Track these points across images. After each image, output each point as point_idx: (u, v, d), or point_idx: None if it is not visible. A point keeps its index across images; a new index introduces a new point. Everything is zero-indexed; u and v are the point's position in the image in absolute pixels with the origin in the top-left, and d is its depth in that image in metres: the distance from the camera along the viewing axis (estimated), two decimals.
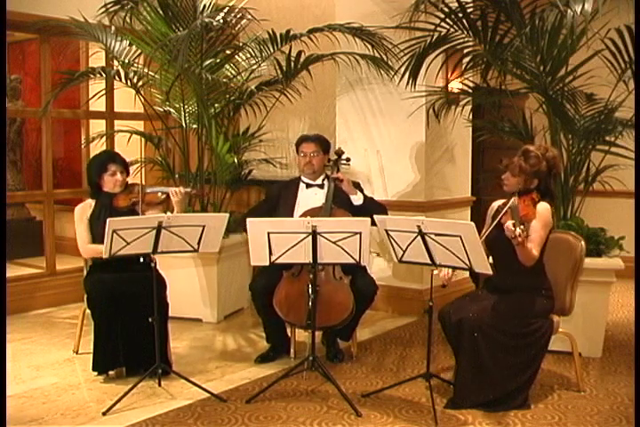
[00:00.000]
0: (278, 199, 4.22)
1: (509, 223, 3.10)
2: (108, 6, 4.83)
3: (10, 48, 6.30)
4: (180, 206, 3.89)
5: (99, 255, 3.77)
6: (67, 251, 5.82)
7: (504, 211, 3.27)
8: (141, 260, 3.53)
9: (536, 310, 3.39)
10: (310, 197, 4.16)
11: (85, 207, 3.91)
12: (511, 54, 4.29)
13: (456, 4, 4.31)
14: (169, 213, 3.51)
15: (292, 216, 4.05)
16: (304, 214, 3.91)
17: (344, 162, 4.19)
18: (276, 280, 3.90)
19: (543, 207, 3.40)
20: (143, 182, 3.87)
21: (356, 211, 3.99)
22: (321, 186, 4.17)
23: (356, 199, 4.07)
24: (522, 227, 3.09)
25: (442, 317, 3.48)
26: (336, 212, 3.95)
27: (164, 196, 3.89)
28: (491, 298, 3.44)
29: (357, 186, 4.19)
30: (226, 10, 4.82)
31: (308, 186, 4.19)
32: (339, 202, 4.02)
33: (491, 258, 3.44)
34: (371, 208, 3.97)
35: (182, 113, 5.17)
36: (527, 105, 5.58)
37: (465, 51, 4.55)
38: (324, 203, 4.00)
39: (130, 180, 4.00)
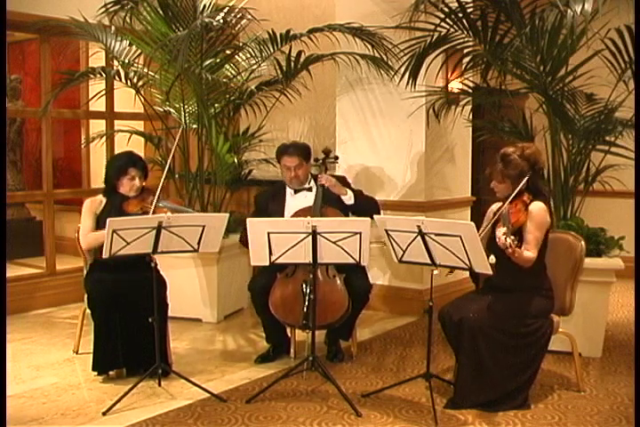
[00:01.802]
0: (267, 208, 4.17)
1: (500, 234, 3.09)
2: (108, 6, 4.83)
3: (10, 48, 6.30)
4: None
5: (99, 243, 3.65)
6: (67, 251, 5.82)
7: (495, 218, 3.27)
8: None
9: (536, 309, 3.39)
10: (300, 200, 4.11)
11: (95, 203, 3.88)
12: (511, 54, 4.29)
13: (456, 4, 4.31)
14: (169, 214, 3.50)
15: None
16: (296, 214, 3.92)
17: (332, 160, 4.19)
18: (274, 280, 3.90)
19: (536, 207, 3.38)
20: (158, 196, 3.77)
21: (349, 209, 3.99)
22: (309, 189, 4.14)
23: (347, 199, 4.04)
24: (512, 237, 3.08)
25: (442, 317, 3.48)
26: (327, 211, 3.94)
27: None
28: (491, 298, 3.44)
29: (344, 180, 4.18)
30: (226, 10, 4.82)
31: (296, 191, 4.15)
32: (329, 201, 4.00)
33: (492, 258, 3.44)
34: (363, 205, 3.98)
35: (182, 113, 5.17)
36: (527, 105, 5.58)
37: (465, 51, 4.54)
38: (314, 203, 3.99)
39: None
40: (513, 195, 3.34)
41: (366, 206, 3.97)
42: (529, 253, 3.29)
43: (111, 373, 3.75)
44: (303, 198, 4.11)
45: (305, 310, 3.61)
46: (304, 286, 3.67)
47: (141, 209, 3.77)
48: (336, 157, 4.20)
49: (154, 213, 3.68)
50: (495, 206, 3.60)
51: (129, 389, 3.44)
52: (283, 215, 4.09)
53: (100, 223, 3.79)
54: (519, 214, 3.30)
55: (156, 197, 3.75)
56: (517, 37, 4.15)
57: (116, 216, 3.60)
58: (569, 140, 4.43)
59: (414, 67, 4.57)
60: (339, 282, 3.86)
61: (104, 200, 3.89)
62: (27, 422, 3.22)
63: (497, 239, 3.12)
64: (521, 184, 3.36)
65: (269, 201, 4.20)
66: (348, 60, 5.12)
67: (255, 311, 4.15)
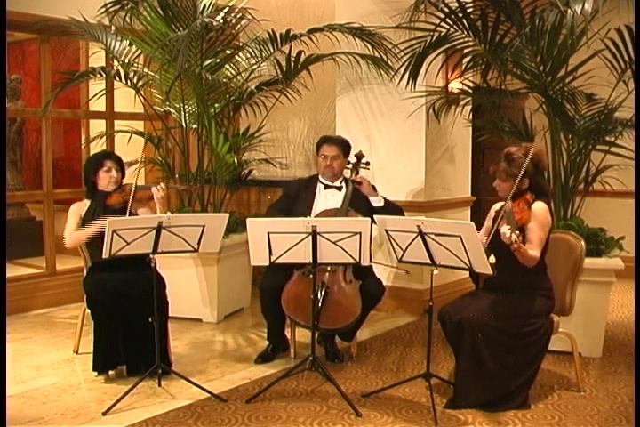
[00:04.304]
0: (296, 197, 4.20)
1: (505, 230, 3.10)
2: (108, 6, 4.83)
3: (10, 48, 6.30)
4: (163, 204, 3.83)
5: (83, 241, 3.80)
6: (67, 251, 5.80)
7: (500, 216, 3.27)
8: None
9: (536, 309, 3.39)
10: (328, 198, 4.14)
11: (81, 206, 3.93)
12: (511, 54, 4.29)
13: (456, 4, 4.31)
14: (169, 213, 3.50)
15: (309, 216, 4.02)
16: (319, 215, 3.92)
17: (363, 165, 4.18)
18: (287, 278, 3.90)
19: (539, 207, 3.39)
20: (136, 181, 3.83)
21: (375, 212, 3.97)
22: (339, 188, 4.15)
23: (376, 201, 4.06)
24: (517, 233, 3.08)
25: (442, 317, 3.48)
26: (351, 215, 3.94)
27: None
28: (491, 298, 3.44)
29: (373, 189, 4.18)
30: (226, 10, 4.83)
31: (327, 187, 4.17)
32: (357, 205, 4.01)
33: (492, 258, 3.44)
34: (390, 210, 3.96)
35: (182, 113, 5.17)
36: (527, 105, 5.58)
37: (465, 51, 4.54)
38: (341, 205, 3.99)
39: (125, 181, 4.01)
40: (512, 192, 3.33)
41: (393, 212, 3.91)
42: (533, 252, 3.29)
43: (111, 373, 3.75)
44: (331, 197, 4.14)
45: (318, 311, 3.61)
46: (321, 287, 3.68)
47: (123, 198, 3.82)
48: (367, 163, 4.18)
49: (134, 198, 3.72)
50: (498, 205, 3.60)
51: (129, 389, 3.44)
52: (310, 207, 4.11)
53: (85, 224, 3.84)
54: (523, 213, 3.31)
55: (134, 183, 3.78)
56: (517, 37, 4.15)
57: (101, 212, 3.74)
58: (569, 140, 4.43)
59: (414, 67, 4.57)
60: (356, 288, 3.86)
61: (88, 202, 3.93)
62: (27, 422, 3.22)
63: (502, 235, 3.12)
64: (516, 181, 3.35)
65: (301, 190, 4.22)
66: (348, 60, 5.12)
67: (261, 309, 4.11)
